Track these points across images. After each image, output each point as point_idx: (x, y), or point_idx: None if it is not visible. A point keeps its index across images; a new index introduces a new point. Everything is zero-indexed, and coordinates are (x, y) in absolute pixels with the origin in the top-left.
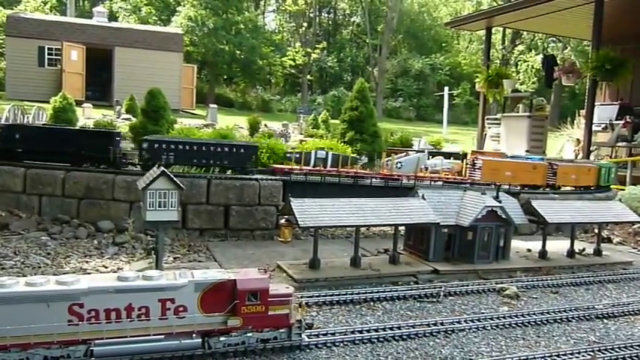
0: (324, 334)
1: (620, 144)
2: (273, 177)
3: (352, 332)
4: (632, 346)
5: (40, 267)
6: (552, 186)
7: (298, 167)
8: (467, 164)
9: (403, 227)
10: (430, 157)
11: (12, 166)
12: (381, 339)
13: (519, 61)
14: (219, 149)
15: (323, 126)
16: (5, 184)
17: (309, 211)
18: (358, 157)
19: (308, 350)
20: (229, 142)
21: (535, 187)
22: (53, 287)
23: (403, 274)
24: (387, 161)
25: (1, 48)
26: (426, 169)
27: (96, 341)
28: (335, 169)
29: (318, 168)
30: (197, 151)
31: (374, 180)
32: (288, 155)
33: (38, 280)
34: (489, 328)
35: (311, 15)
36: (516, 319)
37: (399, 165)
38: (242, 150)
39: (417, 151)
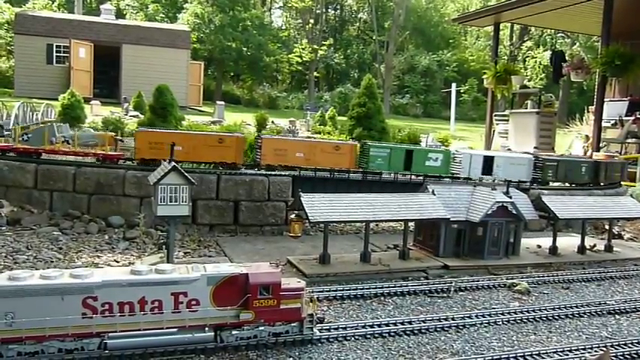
0: (335, 329)
1: (629, 140)
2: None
3: (363, 327)
4: None
5: (52, 261)
6: (364, 171)
7: None
8: (116, 137)
9: (413, 223)
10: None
11: (23, 162)
12: (392, 333)
13: (527, 57)
14: None
15: (330, 122)
16: (17, 179)
17: (319, 206)
18: None
19: (319, 344)
20: None
21: (342, 171)
22: (67, 280)
23: (413, 269)
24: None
25: (9, 46)
26: (68, 142)
27: (110, 334)
28: None
29: None
30: None
31: None
32: None
33: (52, 274)
34: (500, 323)
35: (317, 11)
36: (527, 314)
37: (25, 137)
38: None
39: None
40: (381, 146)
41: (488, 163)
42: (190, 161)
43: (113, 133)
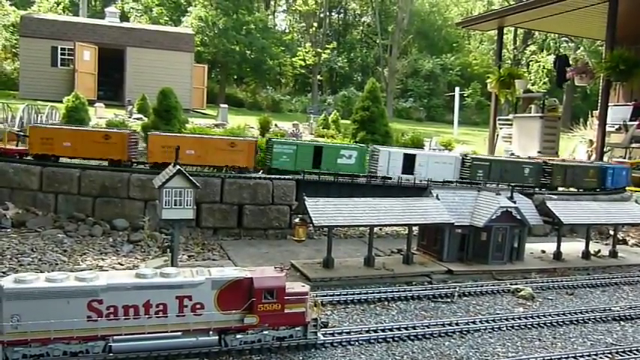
0: (339, 333)
1: (634, 145)
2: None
3: (367, 331)
4: None
5: (56, 264)
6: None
7: None
8: (19, 132)
9: (417, 227)
10: None
11: (29, 165)
12: (396, 338)
13: (531, 61)
14: None
15: (333, 126)
16: (22, 182)
17: (323, 210)
18: None
19: (323, 349)
20: None
21: (239, 169)
22: (73, 283)
23: (417, 274)
24: None
25: (15, 48)
26: None
27: (114, 337)
28: None
29: None
30: None
31: None
32: None
33: (58, 277)
34: (505, 328)
35: (321, 15)
36: (532, 320)
37: None
38: None
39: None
40: (286, 142)
41: (409, 162)
42: (79, 157)
43: (16, 129)
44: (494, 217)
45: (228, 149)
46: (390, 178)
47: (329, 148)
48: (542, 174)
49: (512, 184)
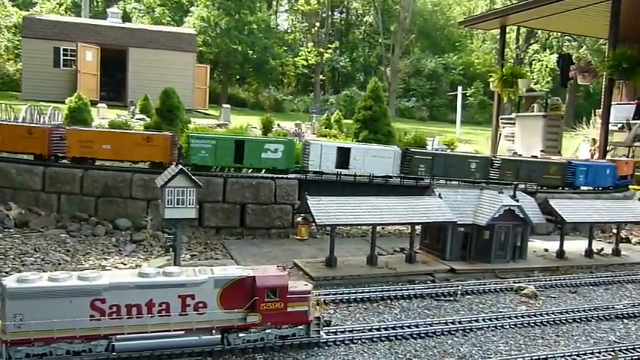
0: (342, 332)
1: (637, 144)
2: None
3: (370, 330)
4: None
5: (59, 264)
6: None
7: None
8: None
9: (419, 226)
10: None
11: (31, 165)
12: (399, 337)
13: (533, 60)
14: None
15: (336, 126)
16: (25, 182)
17: (326, 209)
18: None
19: (326, 347)
20: None
21: (156, 164)
22: (75, 283)
23: (420, 272)
24: None
25: (17, 49)
26: None
27: (117, 336)
28: None
29: None
30: None
31: None
32: None
33: (61, 276)
34: (507, 327)
35: (323, 15)
36: (535, 318)
37: None
38: None
39: None
40: (204, 137)
41: (343, 156)
42: (6, 151)
43: None
44: (496, 215)
45: (144, 144)
46: (323, 173)
47: (251, 142)
48: (491, 168)
49: (458, 180)
